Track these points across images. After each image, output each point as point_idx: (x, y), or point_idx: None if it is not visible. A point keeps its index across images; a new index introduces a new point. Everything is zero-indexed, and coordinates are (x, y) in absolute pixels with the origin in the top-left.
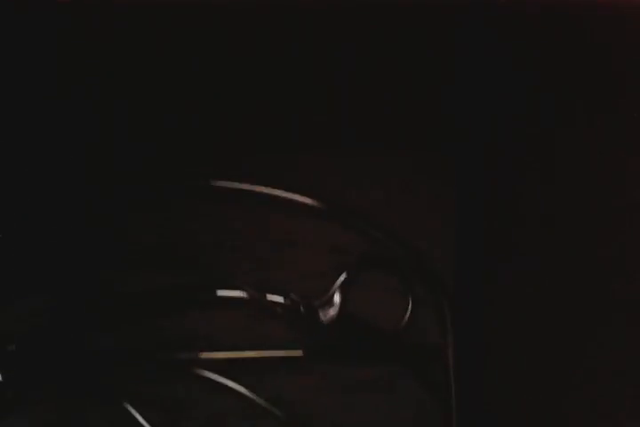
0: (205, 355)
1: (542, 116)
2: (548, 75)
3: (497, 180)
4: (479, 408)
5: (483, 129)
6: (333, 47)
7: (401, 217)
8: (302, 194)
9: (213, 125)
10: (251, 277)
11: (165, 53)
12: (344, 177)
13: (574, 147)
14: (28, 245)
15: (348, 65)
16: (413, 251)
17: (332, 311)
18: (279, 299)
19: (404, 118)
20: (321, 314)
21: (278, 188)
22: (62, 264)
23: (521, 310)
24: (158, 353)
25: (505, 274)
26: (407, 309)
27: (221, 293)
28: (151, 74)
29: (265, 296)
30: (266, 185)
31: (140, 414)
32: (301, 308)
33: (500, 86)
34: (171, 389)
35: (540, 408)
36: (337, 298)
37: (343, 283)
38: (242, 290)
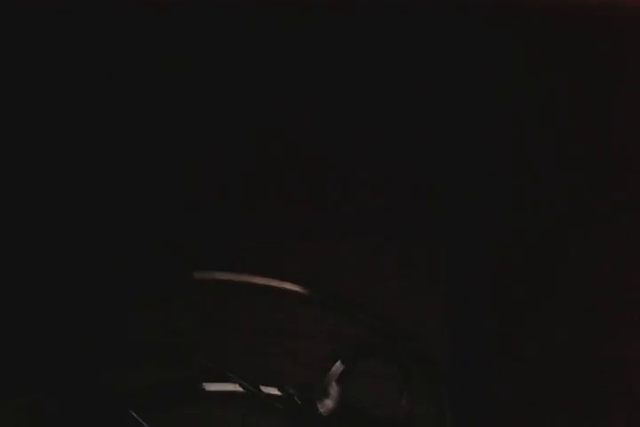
0: None
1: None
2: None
3: (489, 265)
4: None
5: (472, 214)
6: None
7: (396, 305)
8: (299, 284)
9: (211, 215)
10: (248, 368)
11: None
12: (340, 267)
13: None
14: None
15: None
16: (409, 339)
17: (330, 402)
18: (275, 391)
19: (397, 205)
20: (318, 406)
21: (274, 278)
22: (60, 361)
23: (519, 396)
24: None
25: (498, 362)
26: (405, 397)
27: (216, 386)
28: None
29: (260, 389)
30: (261, 276)
31: None
32: (298, 400)
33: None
34: None
35: None
36: (334, 389)
37: (340, 373)
38: (237, 383)
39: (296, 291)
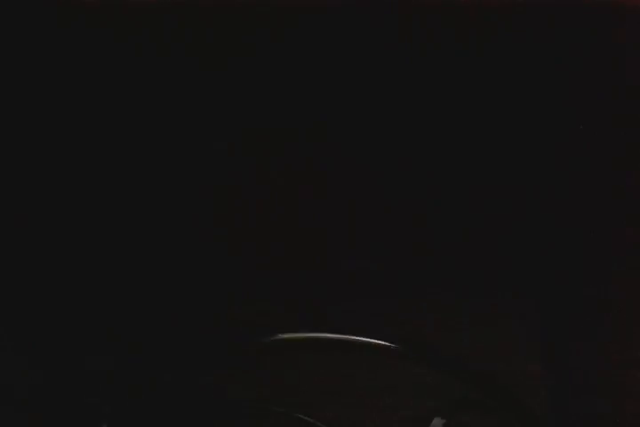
0: None
1: None
2: None
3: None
4: None
5: (562, 268)
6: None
7: (494, 360)
8: (396, 341)
9: (307, 274)
10: (348, 423)
11: None
12: (434, 322)
13: None
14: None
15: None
16: (508, 392)
17: None
18: None
19: (492, 262)
20: None
21: (370, 335)
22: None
23: None
24: None
25: (600, 411)
26: None
27: None
28: None
29: None
30: (357, 333)
31: None
32: None
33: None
34: None
35: None
36: None
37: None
38: None
39: (393, 347)
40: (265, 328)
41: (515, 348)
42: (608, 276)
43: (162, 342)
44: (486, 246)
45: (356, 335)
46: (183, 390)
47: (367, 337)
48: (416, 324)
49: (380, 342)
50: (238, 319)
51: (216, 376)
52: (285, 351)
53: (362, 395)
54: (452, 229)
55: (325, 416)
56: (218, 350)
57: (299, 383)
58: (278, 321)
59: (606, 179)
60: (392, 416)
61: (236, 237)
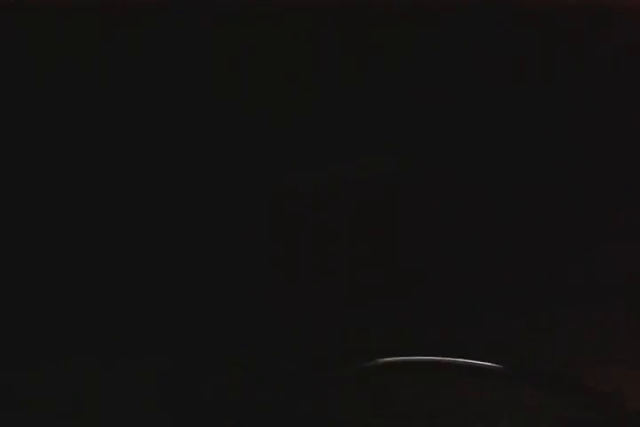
0: None
1: None
2: None
3: None
4: None
5: None
6: None
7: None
8: (501, 361)
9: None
10: None
11: None
12: (537, 343)
13: None
14: None
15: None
16: (626, 410)
17: None
18: None
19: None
20: None
21: (465, 356)
22: None
23: None
24: None
25: None
26: None
27: None
28: None
29: None
30: (451, 354)
31: None
32: None
33: None
34: None
35: None
36: None
37: None
38: None
39: (498, 369)
40: (370, 352)
41: (624, 365)
42: None
43: (264, 364)
44: (591, 265)
45: (460, 358)
46: (285, 414)
47: (471, 359)
48: (520, 345)
49: (485, 363)
50: (340, 344)
51: (316, 400)
52: (389, 375)
53: (463, 418)
54: (551, 250)
55: None
56: (318, 374)
57: (404, 407)
58: (383, 345)
59: None
60: None
61: (345, 266)
